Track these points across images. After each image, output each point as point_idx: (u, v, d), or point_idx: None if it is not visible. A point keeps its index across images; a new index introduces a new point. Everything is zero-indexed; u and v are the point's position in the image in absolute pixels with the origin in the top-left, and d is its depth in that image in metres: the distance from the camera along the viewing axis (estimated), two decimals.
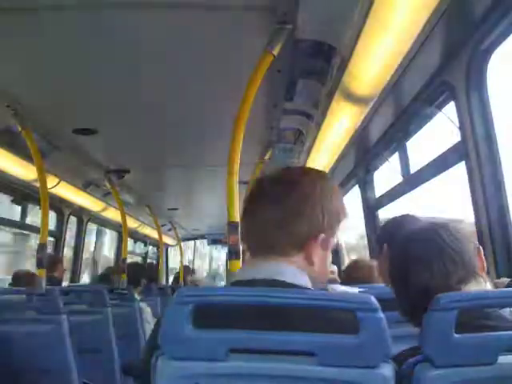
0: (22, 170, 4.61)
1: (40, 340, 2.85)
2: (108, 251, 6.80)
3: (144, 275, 5.35)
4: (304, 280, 1.35)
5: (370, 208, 4.51)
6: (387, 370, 1.28)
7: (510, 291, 1.73)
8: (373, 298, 1.28)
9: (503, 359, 1.29)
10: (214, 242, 12.09)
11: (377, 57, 2.41)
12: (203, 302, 1.34)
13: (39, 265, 3.88)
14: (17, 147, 4.16)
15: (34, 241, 6.87)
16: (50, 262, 4.62)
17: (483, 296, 1.44)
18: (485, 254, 2.37)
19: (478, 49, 2.27)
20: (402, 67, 2.48)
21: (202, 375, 1.29)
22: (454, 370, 1.28)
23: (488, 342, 1.31)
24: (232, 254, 2.69)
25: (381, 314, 1.28)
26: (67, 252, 6.83)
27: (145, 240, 10.63)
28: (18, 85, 3.28)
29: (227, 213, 2.68)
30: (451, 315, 1.29)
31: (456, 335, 1.29)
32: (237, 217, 2.69)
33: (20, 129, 3.77)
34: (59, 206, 6.02)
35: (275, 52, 2.61)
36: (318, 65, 3.00)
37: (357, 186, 4.78)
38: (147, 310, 4.63)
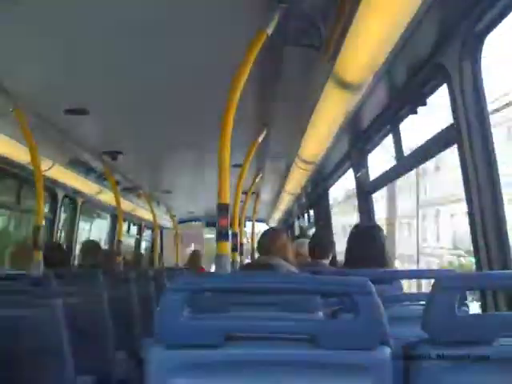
0: (16, 152, 4.59)
1: (35, 323, 2.85)
2: None
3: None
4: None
5: (364, 191, 4.51)
6: (385, 352, 1.30)
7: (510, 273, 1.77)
8: (368, 281, 1.29)
9: (502, 341, 1.31)
10: (210, 224, 12.11)
11: (370, 40, 2.39)
12: (199, 288, 1.33)
13: (36, 247, 3.88)
14: (9, 128, 4.13)
15: None
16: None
17: (485, 276, 1.45)
18: (476, 238, 2.40)
19: (471, 31, 2.25)
20: (395, 50, 2.46)
21: (199, 363, 1.28)
22: (454, 348, 1.29)
23: (488, 322, 1.33)
24: (221, 236, 2.65)
25: (376, 297, 1.29)
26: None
27: (140, 223, 10.61)
28: (9, 65, 3.25)
29: (217, 195, 2.65)
30: (453, 295, 1.30)
31: (458, 315, 1.30)
32: (227, 199, 2.66)
33: (11, 109, 3.75)
34: (53, 188, 6.00)
35: (269, 31, 2.57)
36: (311, 46, 2.98)
37: (351, 169, 4.77)
38: None
